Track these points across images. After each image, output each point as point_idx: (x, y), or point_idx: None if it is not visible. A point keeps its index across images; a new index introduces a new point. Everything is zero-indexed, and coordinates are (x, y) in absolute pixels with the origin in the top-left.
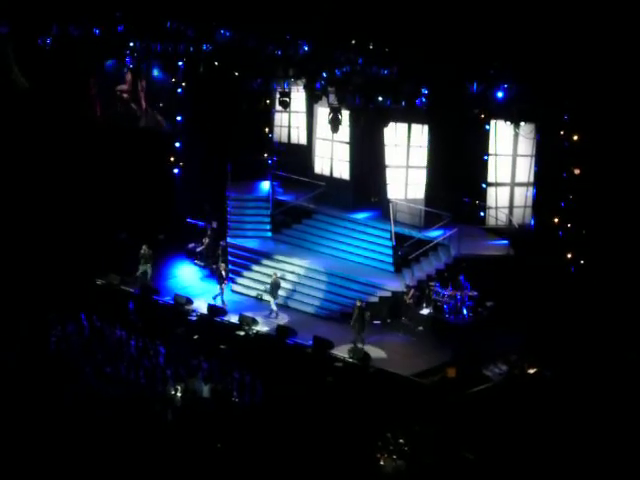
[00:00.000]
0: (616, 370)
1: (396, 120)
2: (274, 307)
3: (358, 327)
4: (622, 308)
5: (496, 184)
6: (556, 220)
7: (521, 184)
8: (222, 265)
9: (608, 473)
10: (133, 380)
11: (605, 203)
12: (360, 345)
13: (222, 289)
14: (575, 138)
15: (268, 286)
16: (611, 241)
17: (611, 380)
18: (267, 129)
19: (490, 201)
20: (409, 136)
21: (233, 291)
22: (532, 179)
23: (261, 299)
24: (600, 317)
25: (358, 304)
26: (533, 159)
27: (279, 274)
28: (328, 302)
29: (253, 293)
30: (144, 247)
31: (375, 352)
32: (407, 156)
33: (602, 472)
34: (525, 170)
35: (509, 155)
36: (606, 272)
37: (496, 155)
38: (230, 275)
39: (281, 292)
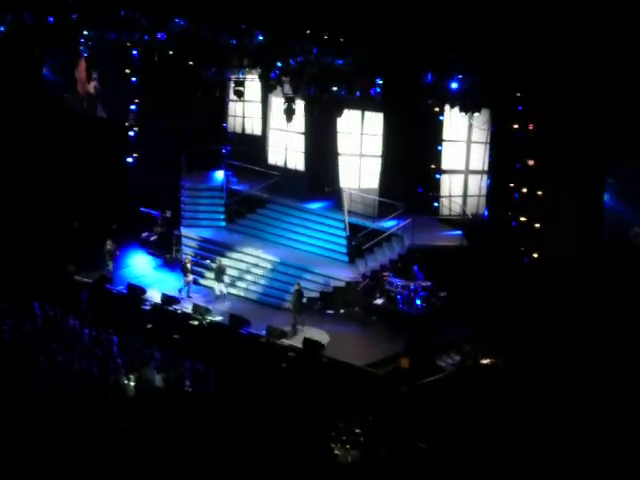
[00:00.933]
0: (570, 361)
1: (349, 107)
2: (221, 291)
3: (296, 310)
4: (574, 299)
5: (450, 171)
6: (509, 212)
7: (475, 172)
8: (187, 257)
9: (560, 462)
10: (86, 369)
11: (558, 195)
12: (300, 327)
13: (187, 282)
14: (529, 129)
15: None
16: (564, 233)
17: (565, 371)
18: (221, 119)
19: (444, 189)
20: (362, 124)
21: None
22: (486, 167)
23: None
24: (553, 308)
25: (296, 287)
26: (487, 146)
27: (224, 261)
28: (282, 292)
29: (206, 282)
30: (109, 242)
31: (319, 336)
32: (360, 144)
33: (554, 461)
34: (479, 157)
35: (463, 142)
36: (559, 264)
37: (451, 141)
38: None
39: (239, 283)
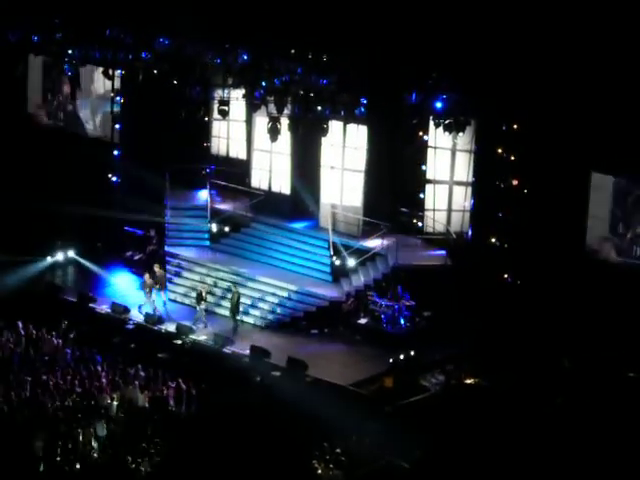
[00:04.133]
0: (553, 380)
1: (331, 118)
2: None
3: (233, 313)
4: (557, 318)
5: (435, 181)
6: (493, 236)
7: (460, 183)
8: (203, 287)
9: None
10: (69, 389)
11: (541, 216)
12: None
13: (201, 310)
14: (513, 148)
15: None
16: (546, 253)
17: (547, 390)
18: (205, 139)
19: (428, 202)
20: (345, 136)
21: (170, 299)
22: (471, 178)
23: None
24: (536, 327)
25: (234, 290)
26: (472, 155)
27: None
28: (266, 311)
29: (189, 301)
30: (147, 275)
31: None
32: (343, 157)
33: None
34: (464, 167)
35: (448, 149)
36: (541, 283)
37: (435, 148)
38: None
39: (223, 302)
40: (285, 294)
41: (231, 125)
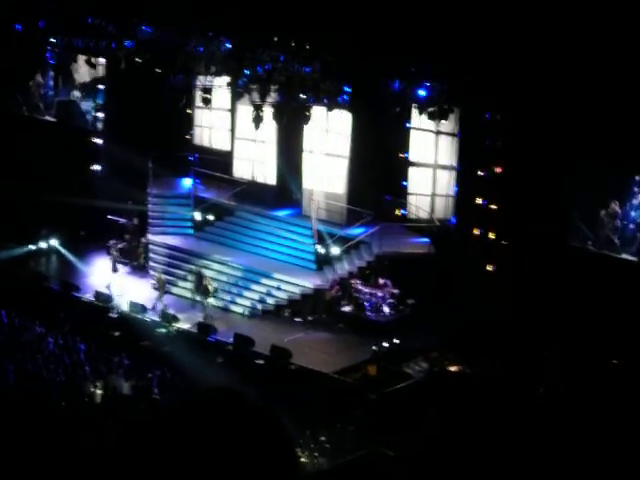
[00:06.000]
0: (535, 368)
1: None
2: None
3: (200, 294)
4: (541, 307)
5: (418, 164)
6: (476, 224)
7: (444, 167)
8: (207, 279)
9: (526, 469)
10: (52, 378)
11: (526, 204)
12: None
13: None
14: (496, 137)
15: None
16: (529, 242)
17: (530, 378)
18: (188, 128)
19: (412, 187)
20: (327, 122)
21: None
22: (454, 162)
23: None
24: (519, 315)
25: (196, 270)
26: (455, 139)
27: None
28: (249, 299)
29: (173, 290)
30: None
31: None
32: (326, 143)
33: (520, 468)
34: (448, 151)
35: (431, 131)
36: (524, 271)
37: (418, 130)
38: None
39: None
40: (269, 282)
41: (214, 114)
